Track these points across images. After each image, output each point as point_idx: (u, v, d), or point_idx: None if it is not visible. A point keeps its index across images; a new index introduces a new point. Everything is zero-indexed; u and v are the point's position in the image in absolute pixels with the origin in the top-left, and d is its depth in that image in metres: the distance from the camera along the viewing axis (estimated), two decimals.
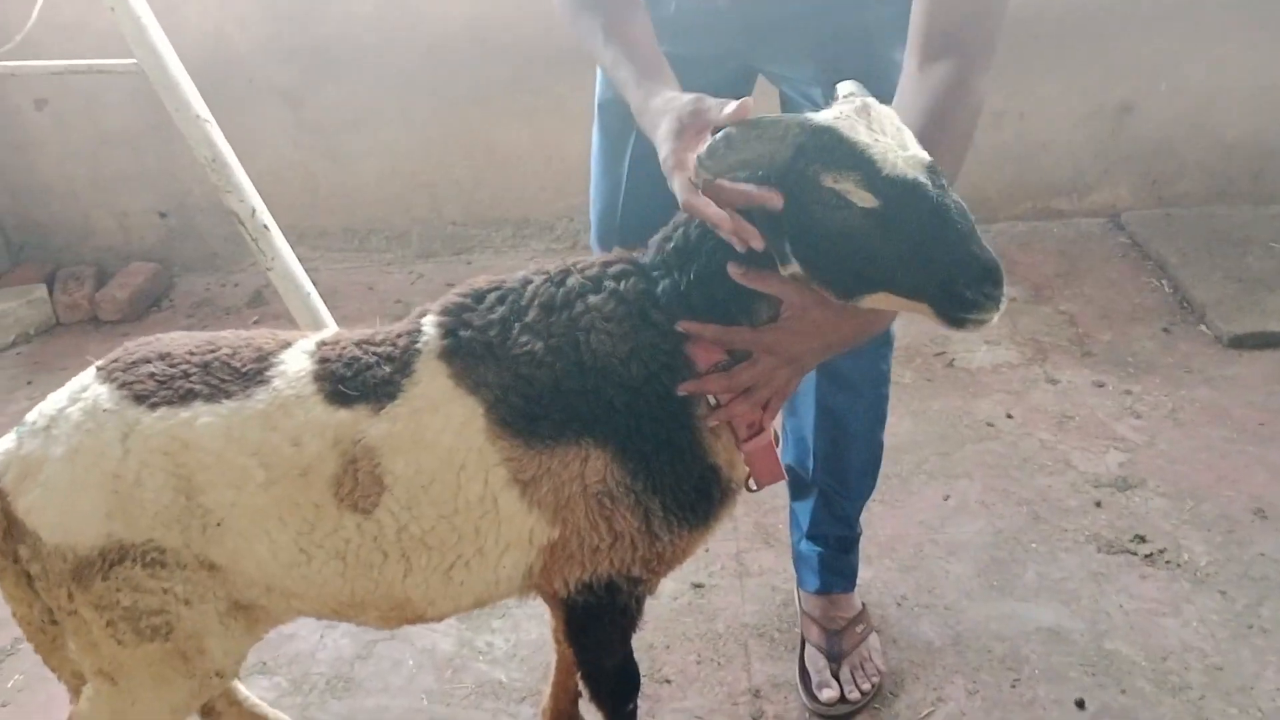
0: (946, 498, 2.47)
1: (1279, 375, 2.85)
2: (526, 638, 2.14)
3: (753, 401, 1.31)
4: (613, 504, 1.31)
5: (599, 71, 1.74)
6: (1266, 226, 3.57)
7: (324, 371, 1.30)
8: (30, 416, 1.31)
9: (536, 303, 1.31)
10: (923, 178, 1.10)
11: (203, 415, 1.26)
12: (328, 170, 3.87)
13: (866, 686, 1.92)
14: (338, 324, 2.72)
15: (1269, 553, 2.22)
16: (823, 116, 1.15)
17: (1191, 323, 3.13)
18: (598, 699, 1.57)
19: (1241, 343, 2.97)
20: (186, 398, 1.27)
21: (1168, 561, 2.22)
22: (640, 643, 1.86)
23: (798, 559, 2.11)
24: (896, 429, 2.54)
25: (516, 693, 2.01)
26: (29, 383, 3.30)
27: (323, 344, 1.35)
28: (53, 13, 2.71)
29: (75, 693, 1.46)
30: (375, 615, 1.39)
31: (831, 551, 2.04)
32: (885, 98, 1.25)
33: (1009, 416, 2.75)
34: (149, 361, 1.30)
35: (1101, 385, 2.87)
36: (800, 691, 1.95)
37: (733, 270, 1.24)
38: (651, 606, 1.66)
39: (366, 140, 3.82)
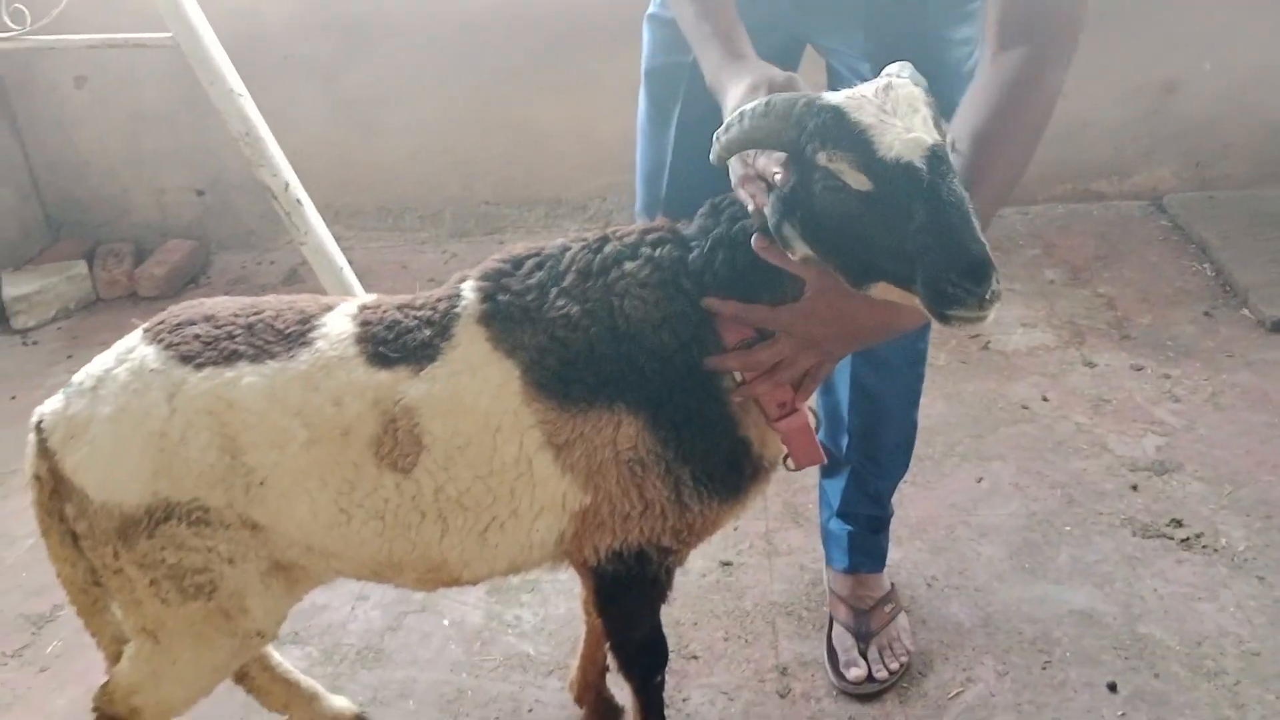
0: (979, 480, 2.44)
1: None
2: (555, 612, 2.15)
3: (774, 381, 1.30)
4: (644, 471, 1.31)
5: (645, 38, 1.73)
6: None
7: (365, 334, 1.32)
8: (77, 378, 1.33)
9: (574, 268, 1.32)
10: (918, 162, 1.05)
11: (247, 375, 1.28)
12: (361, 146, 3.89)
13: (895, 666, 1.92)
14: None
15: None
16: (833, 96, 1.12)
17: (1233, 306, 3.07)
18: (626, 671, 1.58)
19: None
20: (231, 358, 1.29)
21: (1204, 546, 2.18)
22: (668, 619, 1.86)
23: (826, 537, 2.10)
24: (930, 411, 2.52)
25: (544, 666, 2.02)
26: (69, 356, 3.36)
27: (364, 307, 1.37)
28: None
29: (113, 660, 1.49)
30: (413, 576, 1.41)
31: (861, 531, 2.03)
32: (937, 76, 1.20)
33: (1045, 399, 2.72)
34: (194, 323, 1.33)
35: (1140, 369, 2.83)
36: (828, 669, 1.95)
37: (755, 243, 1.23)
38: (680, 584, 1.66)
39: (400, 116, 3.83)
